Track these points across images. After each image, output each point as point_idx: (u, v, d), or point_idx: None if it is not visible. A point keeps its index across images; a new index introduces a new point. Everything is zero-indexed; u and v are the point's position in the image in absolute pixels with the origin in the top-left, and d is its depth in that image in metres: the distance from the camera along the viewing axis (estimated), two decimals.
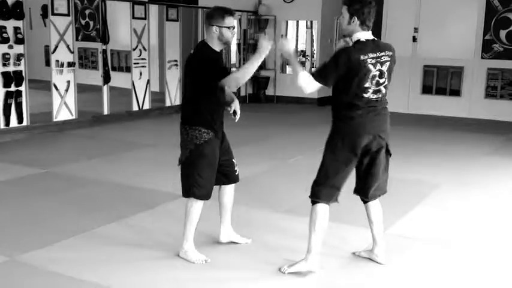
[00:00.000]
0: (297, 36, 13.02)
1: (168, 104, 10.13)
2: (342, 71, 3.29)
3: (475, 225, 4.56)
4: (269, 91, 12.25)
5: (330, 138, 3.45)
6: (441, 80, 10.70)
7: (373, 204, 3.65)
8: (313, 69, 3.39)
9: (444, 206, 5.05)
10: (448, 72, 10.61)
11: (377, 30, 11.26)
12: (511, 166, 6.64)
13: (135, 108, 9.46)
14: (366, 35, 3.37)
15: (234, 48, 11.98)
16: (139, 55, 9.44)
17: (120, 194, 5.17)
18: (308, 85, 3.31)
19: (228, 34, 3.57)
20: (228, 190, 3.87)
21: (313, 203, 3.42)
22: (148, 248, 3.87)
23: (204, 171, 3.56)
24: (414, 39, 10.76)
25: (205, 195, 3.62)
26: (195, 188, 3.57)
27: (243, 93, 12.13)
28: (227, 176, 3.81)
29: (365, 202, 3.66)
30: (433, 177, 5.99)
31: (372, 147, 3.45)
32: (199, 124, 3.54)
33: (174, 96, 10.22)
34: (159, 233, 4.17)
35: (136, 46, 9.39)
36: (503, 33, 10.10)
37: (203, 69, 3.51)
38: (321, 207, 3.38)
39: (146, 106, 9.65)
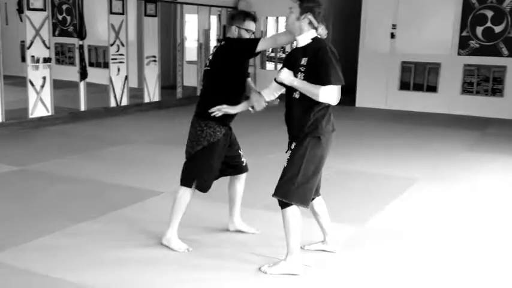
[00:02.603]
0: (276, 32, 13.04)
1: (146, 100, 10.06)
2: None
3: (451, 219, 4.61)
4: None
5: (311, 137, 3.32)
6: (419, 76, 10.80)
7: (318, 198, 3.66)
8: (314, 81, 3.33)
9: (421, 200, 5.10)
10: (425, 68, 10.72)
11: (356, 27, 11.34)
12: (487, 161, 6.74)
13: (113, 104, 9.37)
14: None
15: (213, 44, 11.95)
16: (117, 51, 9.35)
17: (98, 191, 5.12)
18: (334, 95, 3.25)
19: (246, 36, 3.71)
20: (236, 181, 4.02)
21: (286, 205, 3.36)
22: (127, 245, 3.83)
23: (212, 167, 3.75)
24: (392, 35, 10.84)
25: (205, 188, 3.79)
26: (200, 180, 3.74)
27: None
28: (234, 167, 3.96)
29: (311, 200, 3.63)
30: (411, 172, 6.05)
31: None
32: (214, 120, 3.70)
33: (152, 93, 10.15)
34: (138, 230, 4.14)
35: (114, 42, 9.30)
36: (479, 30, 10.23)
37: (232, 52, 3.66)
38: (294, 209, 3.36)
39: (124, 102, 9.56)
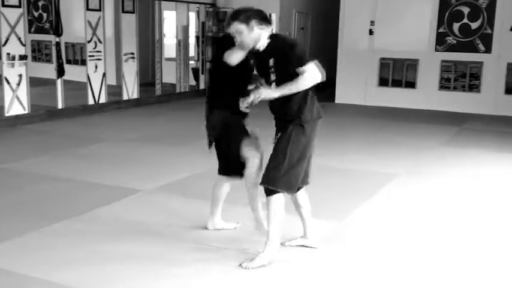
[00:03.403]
0: None
1: (125, 97, 9.97)
2: None
3: (430, 214, 4.65)
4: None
5: (294, 125, 3.33)
6: (397, 72, 10.89)
7: (302, 190, 3.67)
8: (305, 66, 3.27)
9: (400, 195, 5.14)
10: (403, 64, 10.81)
11: (335, 24, 11.38)
12: (464, 156, 6.82)
13: (91, 102, 9.26)
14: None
15: (192, 41, 11.88)
16: (95, 47, 9.25)
17: (76, 190, 5.05)
18: (317, 70, 3.27)
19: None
20: (225, 182, 3.93)
21: (271, 192, 3.37)
22: (107, 243, 3.79)
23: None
24: (371, 32, 10.91)
25: None
26: None
27: (202, 87, 12.04)
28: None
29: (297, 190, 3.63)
30: (390, 167, 6.09)
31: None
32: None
33: (131, 90, 10.06)
34: (118, 228, 4.09)
35: (91, 38, 9.19)
36: (456, 26, 10.34)
37: None
38: (280, 196, 3.37)
39: (102, 100, 9.45)
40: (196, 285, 3.25)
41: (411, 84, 10.79)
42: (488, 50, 10.19)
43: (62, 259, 3.54)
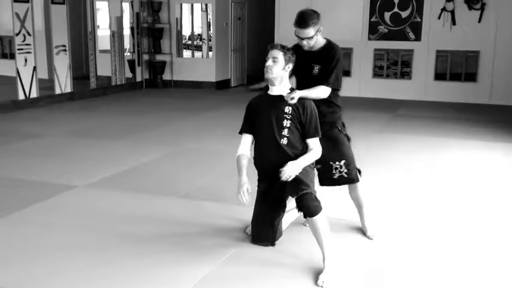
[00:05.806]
0: (192, 19, 12.91)
1: (58, 91, 9.67)
2: None
3: (377, 202, 4.77)
4: (166, 76, 12.07)
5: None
6: None
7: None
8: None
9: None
10: None
11: (271, 12, 11.44)
12: (398, 141, 7.04)
13: (22, 97, 8.93)
14: None
15: (127, 32, 11.65)
16: (23, 40, 8.90)
17: (8, 188, 4.87)
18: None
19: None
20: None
21: (315, 213, 3.26)
22: (42, 241, 3.69)
23: None
24: None
25: None
26: None
27: (139, 79, 11.85)
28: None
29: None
30: None
31: None
32: None
33: (64, 83, 9.77)
34: (53, 226, 3.98)
35: (20, 31, 8.84)
36: (387, 15, 10.64)
37: None
38: (324, 212, 3.31)
39: (34, 94, 9.14)
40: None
41: (346, 73, 11.01)
42: (418, 38, 10.55)
43: None
